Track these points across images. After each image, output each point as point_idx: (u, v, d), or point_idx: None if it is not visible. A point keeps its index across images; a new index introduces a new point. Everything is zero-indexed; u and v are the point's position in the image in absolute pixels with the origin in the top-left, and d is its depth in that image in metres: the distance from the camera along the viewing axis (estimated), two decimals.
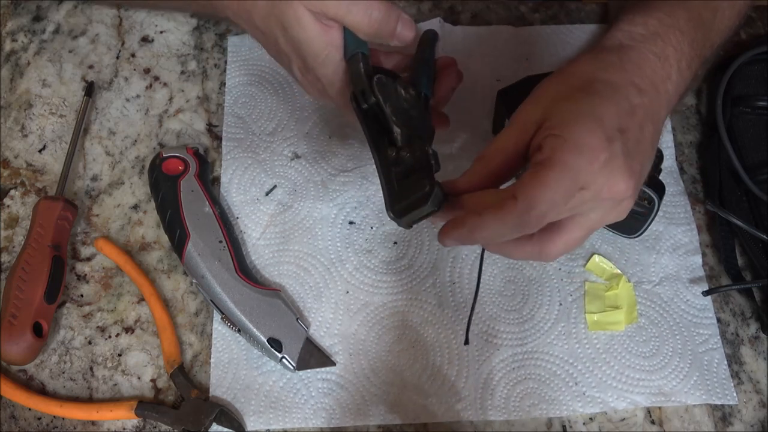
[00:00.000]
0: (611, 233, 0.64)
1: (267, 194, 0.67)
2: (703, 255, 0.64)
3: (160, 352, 0.61)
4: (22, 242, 0.63)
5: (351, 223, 0.66)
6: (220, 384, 0.59)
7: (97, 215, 0.67)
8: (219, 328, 0.61)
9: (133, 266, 0.63)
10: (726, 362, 0.60)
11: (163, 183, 0.64)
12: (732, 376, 0.59)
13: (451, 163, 0.64)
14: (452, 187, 0.48)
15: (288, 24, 0.51)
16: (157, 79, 0.73)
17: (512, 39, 0.75)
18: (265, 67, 0.73)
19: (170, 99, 0.72)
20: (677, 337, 0.61)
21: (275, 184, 0.67)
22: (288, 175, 0.68)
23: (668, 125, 0.70)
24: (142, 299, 0.63)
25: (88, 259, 0.65)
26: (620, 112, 0.45)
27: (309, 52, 0.52)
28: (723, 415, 0.58)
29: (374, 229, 0.65)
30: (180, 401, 0.58)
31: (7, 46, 0.75)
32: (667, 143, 0.69)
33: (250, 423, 0.58)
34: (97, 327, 0.62)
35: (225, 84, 0.72)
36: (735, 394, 0.59)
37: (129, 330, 0.62)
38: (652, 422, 0.58)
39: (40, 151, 0.70)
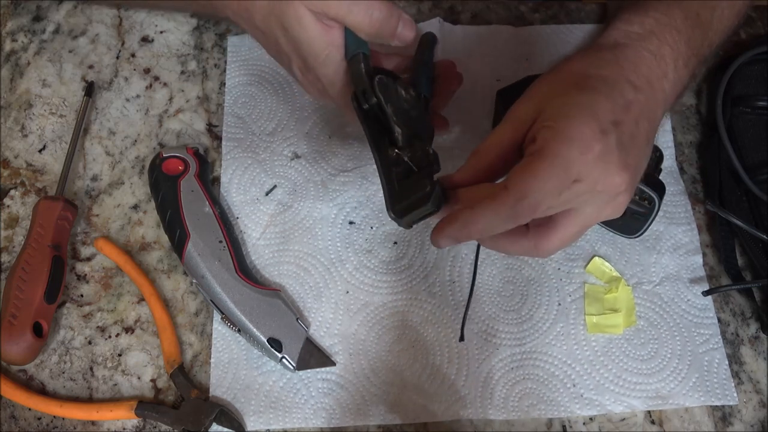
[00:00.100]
0: (611, 233, 0.64)
1: (267, 194, 0.67)
2: (703, 255, 0.64)
3: (160, 352, 0.61)
4: (22, 242, 0.63)
5: (351, 223, 0.66)
6: (220, 384, 0.59)
7: (97, 215, 0.67)
8: (219, 328, 0.61)
9: (133, 266, 0.63)
10: (727, 362, 0.60)
11: (163, 183, 0.64)
12: (732, 376, 0.59)
13: (451, 162, 0.64)
14: (448, 182, 0.48)
15: (288, 24, 0.51)
16: (157, 79, 0.73)
17: (512, 39, 0.75)
18: (265, 67, 0.73)
19: (170, 99, 0.72)
20: (677, 338, 0.61)
21: (275, 184, 0.67)
22: (288, 175, 0.68)
23: (668, 125, 0.70)
24: (142, 299, 0.63)
25: (88, 259, 0.65)
26: (615, 106, 0.45)
27: (309, 52, 0.52)
28: (723, 415, 0.58)
29: (374, 229, 0.65)
30: (180, 401, 0.58)
31: (7, 46, 0.75)
32: (667, 143, 0.69)
33: (250, 423, 0.58)
34: (97, 327, 0.62)
35: (225, 84, 0.72)
36: (735, 394, 0.59)
37: (129, 330, 0.62)
38: (652, 422, 0.58)
39: (40, 151, 0.70)
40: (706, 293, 0.62)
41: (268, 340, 0.58)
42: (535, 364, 0.60)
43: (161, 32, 0.76)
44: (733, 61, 0.69)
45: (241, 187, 0.67)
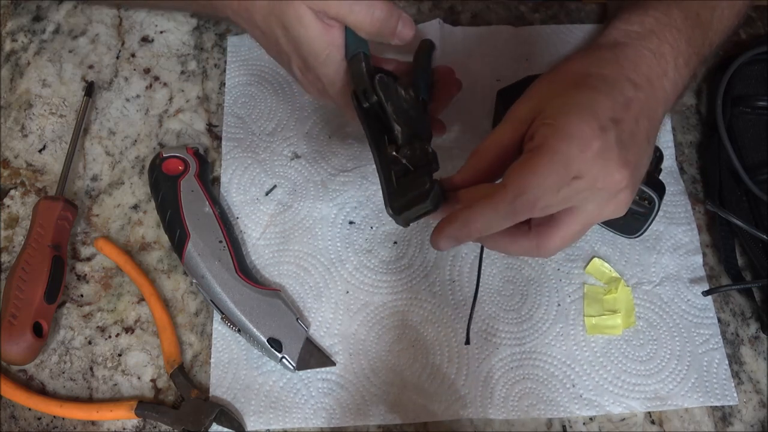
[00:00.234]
0: (611, 233, 0.64)
1: (267, 194, 0.67)
2: (703, 255, 0.64)
3: (160, 352, 0.61)
4: (22, 242, 0.63)
5: (351, 223, 0.66)
6: (220, 384, 0.59)
7: (97, 215, 0.67)
8: (219, 328, 0.61)
9: (133, 266, 0.63)
10: (727, 362, 0.60)
11: (163, 183, 0.64)
12: (732, 376, 0.59)
13: (451, 162, 0.64)
14: (448, 184, 0.48)
15: (289, 23, 0.51)
16: (157, 79, 0.73)
17: (512, 39, 0.75)
18: (265, 67, 0.73)
19: (170, 99, 0.72)
20: (676, 338, 0.61)
21: (275, 184, 0.67)
22: (288, 175, 0.68)
23: (668, 125, 0.70)
24: (142, 299, 0.63)
25: (88, 259, 0.65)
26: (615, 104, 0.45)
27: (310, 52, 0.53)
28: (723, 415, 0.58)
29: (374, 228, 0.65)
30: (180, 401, 0.58)
31: (7, 46, 0.75)
32: (667, 143, 0.69)
33: (250, 423, 0.58)
34: (97, 327, 0.62)
35: (225, 84, 0.72)
36: (735, 394, 0.59)
37: (129, 330, 0.62)
38: (652, 422, 0.58)
39: (40, 151, 0.70)
40: (706, 293, 0.62)
41: (268, 340, 0.58)
42: (534, 364, 0.60)
43: (161, 32, 0.76)
44: (733, 61, 0.69)
45: (241, 187, 0.67)
